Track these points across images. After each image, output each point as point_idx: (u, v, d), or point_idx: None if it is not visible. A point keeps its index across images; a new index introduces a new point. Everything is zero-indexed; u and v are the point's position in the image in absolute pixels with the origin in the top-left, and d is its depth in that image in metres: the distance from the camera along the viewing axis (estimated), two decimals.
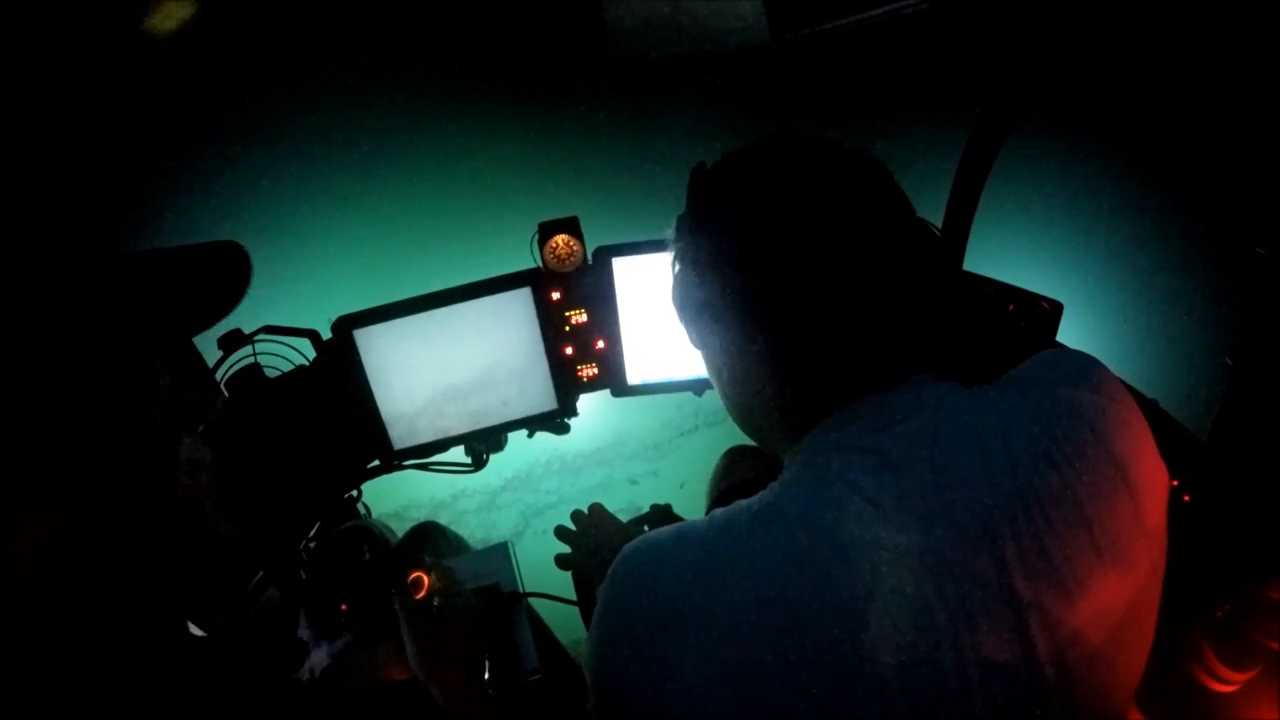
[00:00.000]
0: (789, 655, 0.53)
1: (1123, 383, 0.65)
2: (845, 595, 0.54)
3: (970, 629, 0.53)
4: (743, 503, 0.63)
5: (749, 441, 0.77)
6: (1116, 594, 0.56)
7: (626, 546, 0.64)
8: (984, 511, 0.55)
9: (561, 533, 1.22)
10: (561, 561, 1.22)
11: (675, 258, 0.74)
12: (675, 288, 0.74)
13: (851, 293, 0.62)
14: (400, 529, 1.55)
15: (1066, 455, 0.57)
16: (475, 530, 2.77)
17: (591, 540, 1.18)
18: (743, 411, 0.73)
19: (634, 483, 2.82)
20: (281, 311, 1.30)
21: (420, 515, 2.66)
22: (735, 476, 1.48)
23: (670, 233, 0.75)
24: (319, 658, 0.98)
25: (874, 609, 0.53)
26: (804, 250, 0.62)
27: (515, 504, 2.84)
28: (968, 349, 1.14)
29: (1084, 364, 0.65)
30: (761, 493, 0.63)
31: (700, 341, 0.74)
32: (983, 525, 0.55)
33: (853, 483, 0.58)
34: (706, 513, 1.42)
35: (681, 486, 2.29)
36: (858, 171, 0.66)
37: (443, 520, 2.70)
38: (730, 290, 0.65)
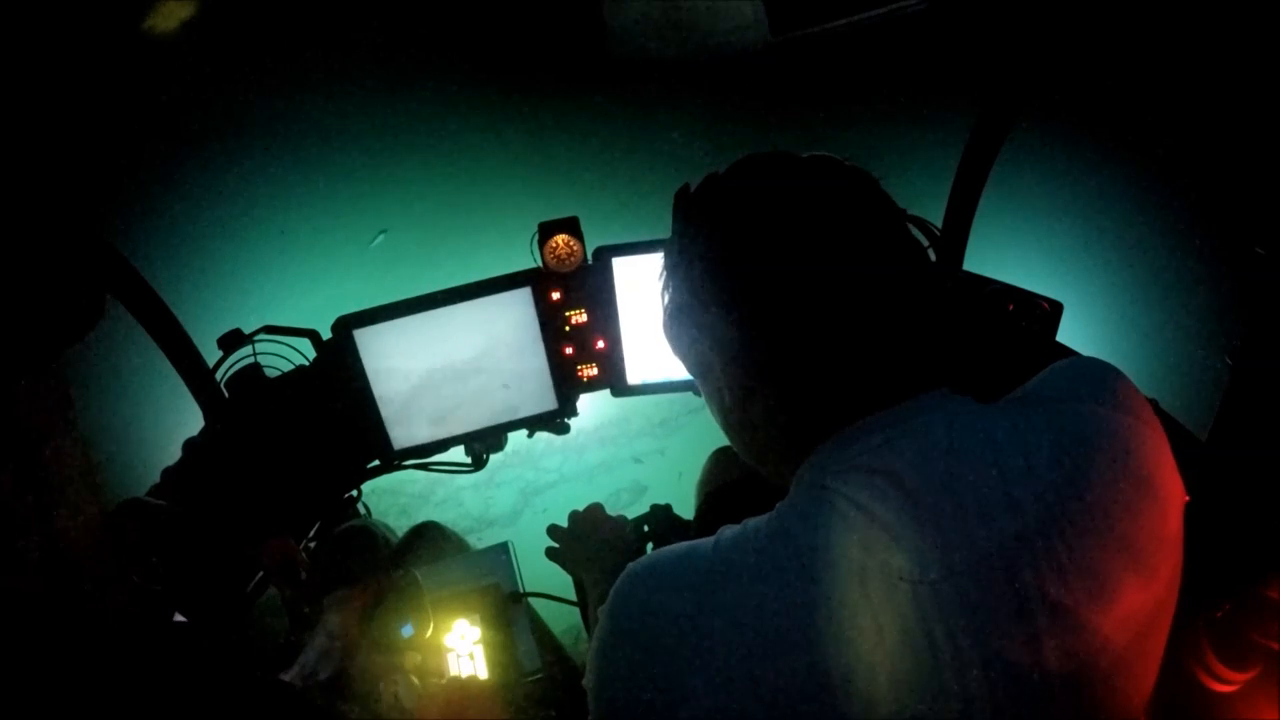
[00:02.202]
0: (792, 690, 0.52)
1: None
2: (855, 629, 0.53)
3: (984, 657, 0.53)
4: (751, 524, 0.61)
5: None
6: (1141, 601, 0.56)
7: (629, 568, 0.62)
8: (1007, 536, 0.54)
9: (554, 532, 1.22)
10: (550, 553, 1.22)
11: (664, 286, 0.71)
12: (666, 318, 0.71)
13: (848, 307, 0.60)
14: (394, 505, 1.54)
15: (1095, 474, 0.56)
16: (472, 508, 2.72)
17: (585, 542, 1.17)
18: (744, 438, 0.71)
19: (638, 461, 2.76)
20: (281, 311, 1.30)
21: (415, 491, 2.64)
22: (724, 477, 1.47)
23: (660, 259, 0.72)
24: (314, 664, 0.98)
25: (885, 642, 0.53)
26: (794, 266, 0.60)
27: (515, 481, 2.78)
28: (971, 352, 1.14)
29: (1105, 377, 0.63)
30: (769, 515, 0.61)
31: (696, 369, 0.71)
32: (1005, 550, 0.54)
33: (865, 508, 0.56)
34: (696, 513, 1.42)
35: (680, 476, 2.25)
36: (842, 182, 0.64)
37: (439, 496, 2.68)
38: (721, 314, 0.63)
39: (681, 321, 0.68)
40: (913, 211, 1.08)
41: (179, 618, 1.07)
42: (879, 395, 0.61)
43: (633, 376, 1.37)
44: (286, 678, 0.97)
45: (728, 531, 0.61)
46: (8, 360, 0.55)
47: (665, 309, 0.71)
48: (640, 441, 2.80)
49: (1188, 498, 0.61)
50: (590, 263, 1.28)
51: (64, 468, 0.57)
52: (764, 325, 0.62)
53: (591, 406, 1.46)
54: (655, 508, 1.30)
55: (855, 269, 0.61)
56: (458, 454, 1.43)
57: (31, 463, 0.54)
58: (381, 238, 2.82)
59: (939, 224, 1.18)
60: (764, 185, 0.65)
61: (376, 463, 1.38)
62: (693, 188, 0.69)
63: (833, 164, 0.65)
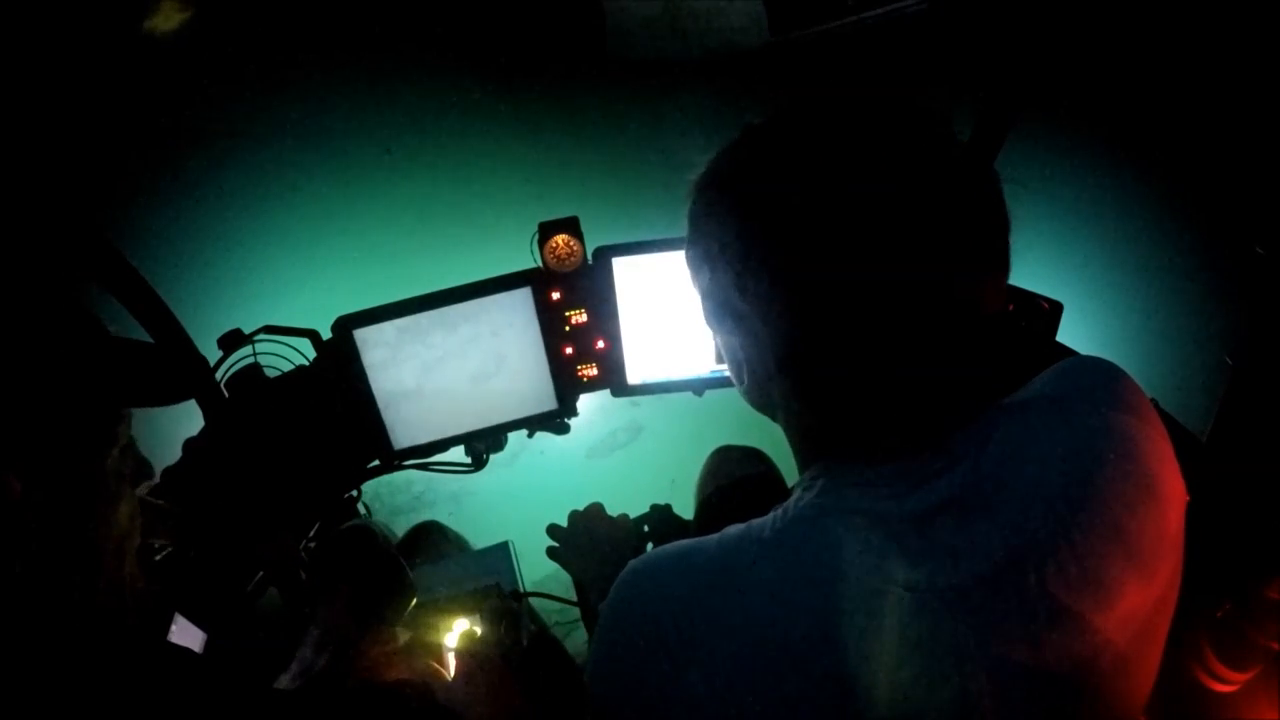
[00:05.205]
0: (790, 693, 0.52)
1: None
2: (855, 635, 0.53)
3: (988, 661, 0.52)
4: (755, 524, 0.60)
5: (738, 441, 0.74)
6: (1142, 601, 0.56)
7: (630, 565, 0.62)
8: (1015, 541, 0.53)
9: (554, 531, 1.22)
10: (551, 553, 1.22)
11: (692, 212, 0.63)
12: (688, 250, 0.64)
13: (915, 335, 0.54)
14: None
15: (1101, 476, 0.56)
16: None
17: (585, 541, 1.17)
18: (762, 413, 0.68)
19: (634, 404, 2.74)
20: (281, 311, 1.30)
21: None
22: (724, 477, 1.47)
23: (691, 182, 0.63)
24: (311, 657, 0.98)
25: (887, 646, 0.52)
26: (863, 269, 0.52)
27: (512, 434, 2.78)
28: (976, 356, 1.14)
29: (1109, 377, 0.63)
30: (773, 515, 0.60)
31: (711, 323, 0.65)
32: (1013, 555, 0.53)
33: (872, 514, 0.56)
34: (695, 513, 1.42)
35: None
36: (954, 172, 0.54)
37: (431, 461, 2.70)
38: (752, 292, 0.57)
39: (718, 297, 0.62)
40: None
41: (179, 618, 1.07)
42: (913, 436, 0.57)
43: (633, 376, 1.37)
44: (286, 678, 0.97)
45: (732, 530, 0.60)
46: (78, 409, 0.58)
47: (688, 242, 0.65)
48: None
49: (1188, 498, 0.61)
50: (590, 263, 1.28)
51: (113, 485, 0.59)
52: (805, 339, 0.56)
53: None
54: (655, 508, 1.30)
55: (928, 293, 0.53)
56: (458, 454, 1.43)
57: (72, 478, 0.56)
58: (388, 155, 2.84)
59: None
60: (849, 149, 0.54)
61: (376, 463, 1.38)
62: (758, 123, 0.59)
63: (927, 136, 0.56)
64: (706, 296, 0.64)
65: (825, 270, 0.53)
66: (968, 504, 0.55)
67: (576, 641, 1.73)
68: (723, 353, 0.68)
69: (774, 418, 0.68)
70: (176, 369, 0.70)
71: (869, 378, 0.56)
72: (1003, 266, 0.58)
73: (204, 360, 1.18)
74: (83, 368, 0.57)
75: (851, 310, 0.54)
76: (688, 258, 0.65)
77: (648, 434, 2.70)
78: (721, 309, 0.62)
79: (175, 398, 0.66)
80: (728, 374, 0.69)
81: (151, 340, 1.07)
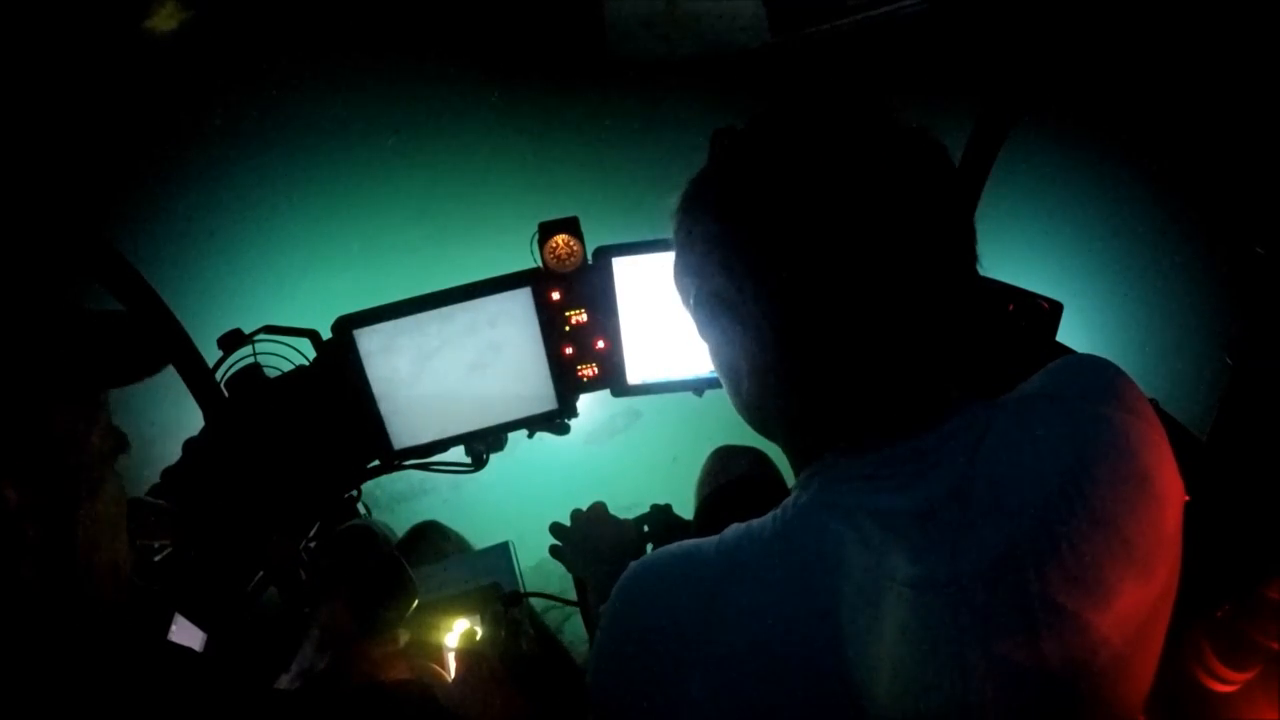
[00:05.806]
0: (793, 693, 0.52)
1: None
2: (857, 633, 0.53)
3: (987, 660, 0.52)
4: (755, 524, 0.60)
5: (738, 441, 0.74)
6: (1139, 600, 0.56)
7: (631, 567, 0.62)
8: (1013, 538, 0.53)
9: (557, 530, 1.22)
10: (553, 551, 1.23)
11: (677, 228, 0.65)
12: (676, 263, 0.66)
13: (896, 321, 0.56)
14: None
15: (1098, 474, 0.56)
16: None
17: (587, 540, 1.18)
18: (753, 418, 0.68)
19: None
20: (281, 311, 1.30)
21: None
22: (724, 477, 1.47)
23: (677, 199, 0.65)
24: (311, 657, 0.98)
25: (887, 646, 0.52)
26: (843, 260, 0.54)
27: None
28: (973, 353, 1.14)
29: (1106, 375, 0.63)
30: (773, 515, 0.60)
31: (704, 333, 0.67)
32: (1011, 553, 0.53)
33: (872, 510, 0.56)
34: (695, 513, 1.42)
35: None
36: (924, 168, 0.57)
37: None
38: (741, 288, 0.58)
39: (711, 304, 0.63)
40: None
41: (179, 618, 1.07)
42: (906, 421, 0.59)
43: (633, 376, 1.37)
44: (286, 678, 0.97)
45: (732, 531, 0.60)
46: (53, 390, 0.56)
47: (676, 251, 0.66)
48: None
49: (1188, 497, 0.61)
50: (590, 263, 1.28)
51: (93, 475, 0.58)
52: (787, 317, 0.58)
53: None
54: (655, 508, 1.30)
55: (915, 280, 0.56)
56: (458, 453, 1.43)
57: (60, 473, 0.56)
58: (394, 139, 2.86)
59: None
60: (821, 151, 0.57)
61: (376, 463, 1.38)
62: (738, 130, 0.62)
63: (912, 133, 0.59)
64: (699, 308, 0.65)
65: (815, 266, 0.55)
66: (964, 500, 0.55)
67: (572, 632, 1.73)
68: (718, 365, 0.69)
69: (771, 433, 0.68)
70: (150, 332, 0.67)
71: (862, 371, 0.57)
72: (972, 259, 0.61)
73: (177, 322, 1.17)
74: (64, 358, 0.56)
75: (841, 304, 0.56)
76: (677, 274, 0.67)
77: (646, 420, 2.71)
78: (715, 315, 0.63)
79: (155, 366, 0.64)
80: None
81: (122, 308, 1.05)
